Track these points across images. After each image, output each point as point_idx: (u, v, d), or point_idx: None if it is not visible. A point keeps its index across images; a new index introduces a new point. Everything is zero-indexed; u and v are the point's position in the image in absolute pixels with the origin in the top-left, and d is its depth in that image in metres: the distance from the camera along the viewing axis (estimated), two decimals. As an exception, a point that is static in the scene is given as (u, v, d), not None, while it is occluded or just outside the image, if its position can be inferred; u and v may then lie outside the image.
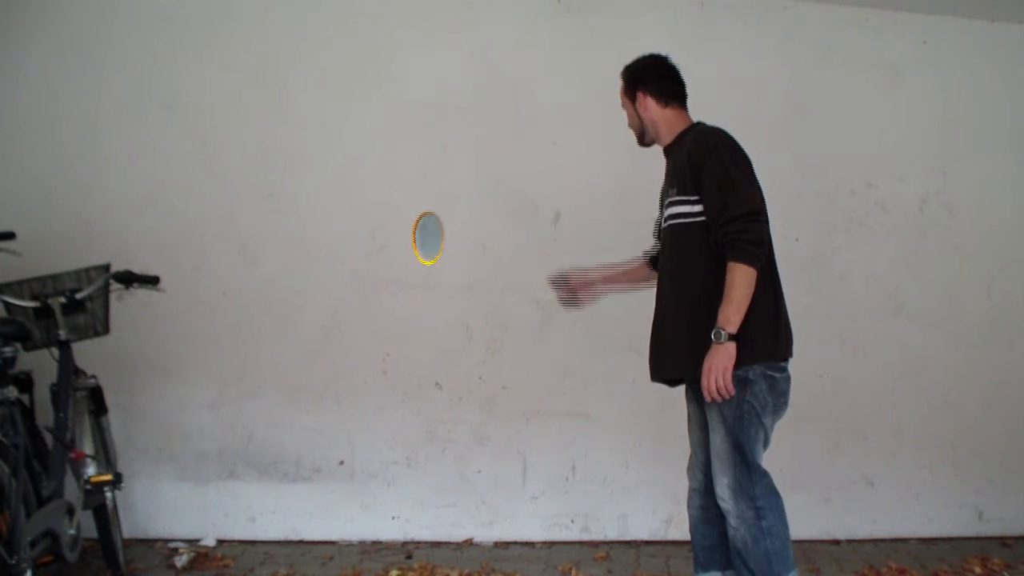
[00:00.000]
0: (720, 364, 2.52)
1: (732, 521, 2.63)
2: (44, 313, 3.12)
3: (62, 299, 3.13)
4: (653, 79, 2.83)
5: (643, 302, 3.81)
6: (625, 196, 3.87)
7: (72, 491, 3.10)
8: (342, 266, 3.81)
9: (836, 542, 3.98)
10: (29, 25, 3.68)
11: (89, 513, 3.24)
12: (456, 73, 3.80)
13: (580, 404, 3.90)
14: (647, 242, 3.84)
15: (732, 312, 2.52)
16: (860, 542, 3.98)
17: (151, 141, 3.74)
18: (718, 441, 2.63)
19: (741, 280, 2.53)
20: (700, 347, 2.57)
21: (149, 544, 3.73)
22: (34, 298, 3.12)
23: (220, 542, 3.78)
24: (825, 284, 3.98)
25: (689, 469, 2.86)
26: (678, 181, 2.70)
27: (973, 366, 4.02)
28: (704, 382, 2.55)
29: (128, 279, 3.30)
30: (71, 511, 3.05)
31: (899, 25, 3.94)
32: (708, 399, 2.58)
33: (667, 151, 2.83)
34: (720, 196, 2.58)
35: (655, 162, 3.96)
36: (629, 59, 3.98)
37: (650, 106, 2.81)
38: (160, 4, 3.76)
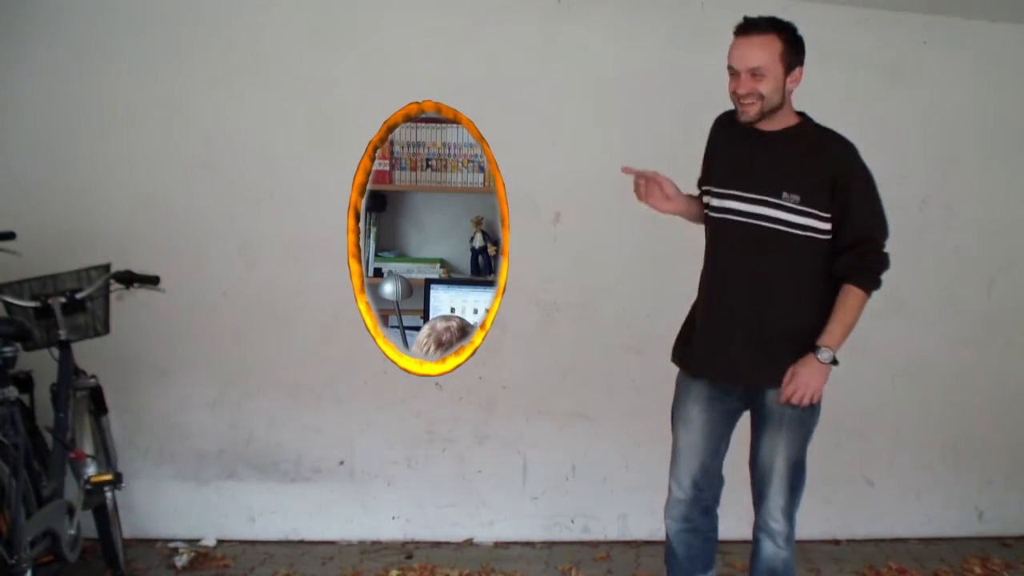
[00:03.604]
0: (819, 383, 2.49)
1: (780, 542, 2.62)
2: (44, 313, 3.12)
3: (62, 299, 3.13)
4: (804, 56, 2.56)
5: (643, 301, 3.84)
6: (625, 196, 3.85)
7: (72, 491, 3.11)
8: (342, 266, 3.80)
9: (836, 542, 3.98)
10: (29, 25, 3.68)
11: (89, 513, 3.25)
12: (456, 73, 3.80)
13: (580, 404, 3.90)
14: (649, 242, 3.88)
15: (841, 335, 2.51)
16: (860, 542, 3.98)
17: (151, 141, 3.73)
18: (781, 461, 2.58)
19: (859, 306, 2.52)
20: (794, 362, 2.52)
21: (149, 544, 3.73)
22: (34, 298, 3.12)
23: (220, 542, 3.78)
24: (825, 284, 3.98)
25: (674, 476, 2.73)
26: (804, 189, 2.50)
27: (973, 366, 4.02)
28: (798, 395, 2.49)
29: (128, 279, 3.30)
30: (71, 511, 3.05)
31: (899, 25, 3.93)
32: (784, 401, 2.51)
33: (770, 137, 2.57)
34: (870, 220, 2.56)
35: (655, 162, 3.96)
36: (629, 59, 4.00)
37: (798, 84, 2.55)
38: (160, 4, 3.76)
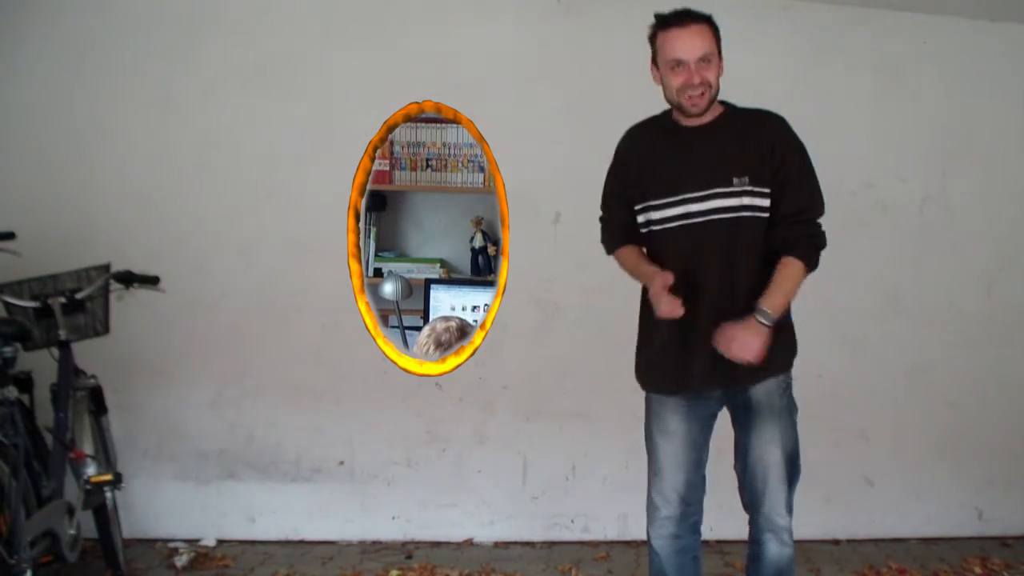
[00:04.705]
0: (759, 345, 2.36)
1: (785, 538, 2.54)
2: (44, 313, 3.12)
3: (62, 299, 3.13)
4: None
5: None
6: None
7: (72, 491, 3.11)
8: (342, 266, 3.80)
9: (836, 542, 3.98)
10: (29, 25, 3.68)
11: (89, 513, 3.24)
12: (456, 73, 3.80)
13: (580, 404, 3.90)
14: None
15: (781, 303, 2.42)
16: (860, 542, 3.98)
17: (151, 141, 3.74)
18: (778, 453, 2.51)
19: (799, 279, 2.45)
20: (772, 351, 2.41)
21: (149, 544, 3.73)
22: (34, 298, 3.12)
23: (220, 542, 3.78)
24: (825, 284, 3.95)
25: (660, 493, 2.64)
26: (750, 169, 2.45)
27: (973, 366, 4.02)
28: (741, 356, 2.36)
29: (128, 279, 3.30)
30: (71, 511, 3.05)
31: (899, 25, 3.93)
32: (742, 359, 2.38)
33: (702, 129, 2.52)
34: (805, 193, 2.48)
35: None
36: (629, 59, 3.98)
37: (723, 73, 2.52)
38: (160, 4, 3.76)
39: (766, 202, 2.47)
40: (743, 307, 2.43)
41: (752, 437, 2.55)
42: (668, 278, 2.42)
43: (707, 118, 2.50)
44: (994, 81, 3.99)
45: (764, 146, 2.49)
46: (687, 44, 2.43)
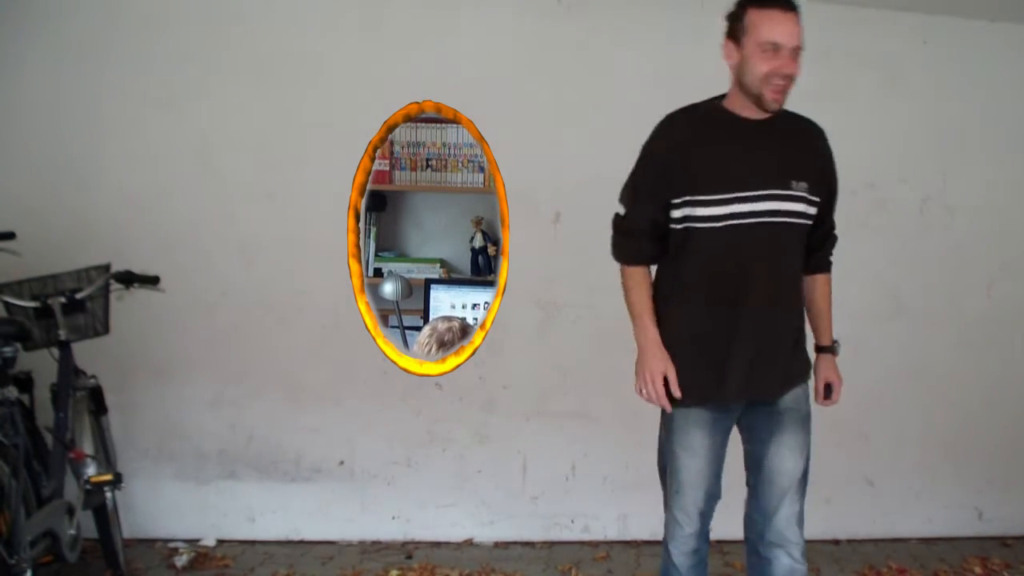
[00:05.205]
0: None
1: (797, 555, 2.44)
2: (44, 313, 3.12)
3: (62, 299, 3.13)
4: None
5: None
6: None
7: (72, 491, 3.11)
8: (342, 266, 3.80)
9: (836, 542, 3.98)
10: (29, 26, 3.68)
11: (89, 513, 3.24)
12: (456, 73, 3.80)
13: (580, 404, 3.90)
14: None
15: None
16: (860, 542, 3.98)
17: (151, 141, 3.73)
18: (799, 465, 2.44)
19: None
20: (801, 360, 2.49)
21: (149, 544, 3.73)
22: (34, 298, 3.12)
23: (220, 542, 3.78)
24: (825, 284, 3.98)
25: (682, 510, 2.48)
26: (809, 175, 2.35)
27: (973, 366, 4.02)
28: (836, 395, 2.56)
29: (128, 279, 3.30)
30: (71, 511, 3.06)
31: (899, 25, 3.93)
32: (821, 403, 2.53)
33: (761, 125, 2.35)
34: (833, 211, 2.51)
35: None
36: (629, 59, 4.00)
37: None
38: (160, 5, 3.76)
39: (814, 211, 2.40)
40: (783, 317, 2.40)
41: (773, 446, 2.45)
42: (670, 368, 2.37)
43: (766, 114, 2.34)
44: (994, 81, 3.99)
45: (820, 157, 2.44)
46: (788, 29, 2.24)
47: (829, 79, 3.95)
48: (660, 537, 3.89)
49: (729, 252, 2.33)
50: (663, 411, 2.50)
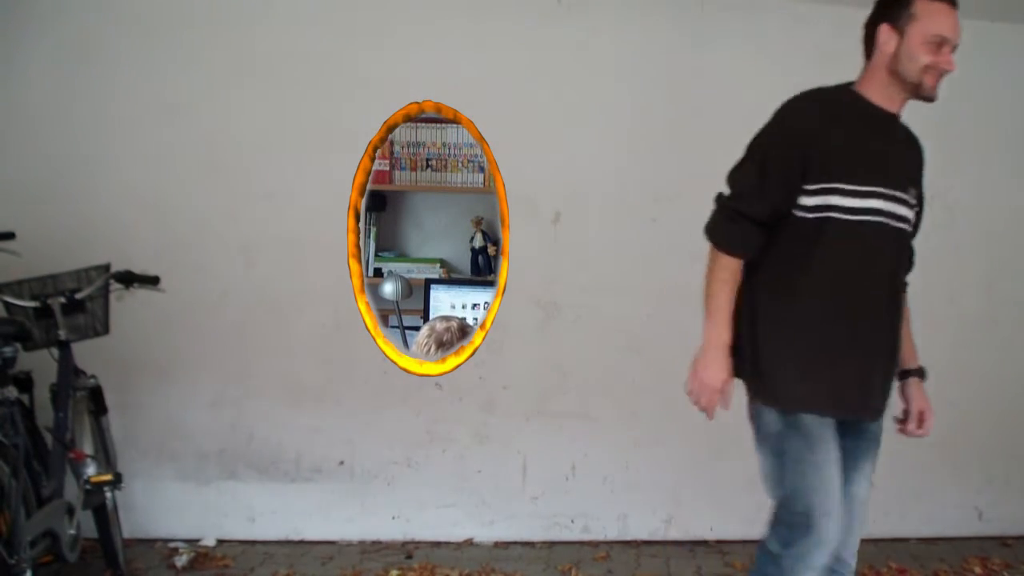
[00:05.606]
0: None
1: None
2: (44, 313, 3.12)
3: (62, 299, 3.13)
4: None
5: (643, 301, 3.84)
6: (625, 196, 3.88)
7: (72, 491, 3.10)
8: (342, 266, 3.80)
9: (836, 542, 3.97)
10: (33, 27, 3.68)
11: (89, 513, 3.24)
12: (456, 73, 3.80)
13: (580, 404, 3.90)
14: (649, 242, 3.88)
15: None
16: (860, 542, 3.97)
17: (151, 141, 3.73)
18: (868, 492, 2.36)
19: None
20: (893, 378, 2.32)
21: (149, 544, 3.73)
22: (34, 298, 3.12)
23: (220, 542, 3.78)
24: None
25: (821, 544, 2.19)
26: (917, 185, 2.25)
27: (973, 366, 4.01)
28: (929, 424, 2.42)
29: (128, 279, 3.30)
30: (71, 511, 3.05)
31: (899, 25, 3.93)
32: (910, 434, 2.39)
33: (893, 122, 2.26)
34: (920, 223, 2.35)
35: (655, 162, 3.97)
36: (629, 59, 4.00)
37: None
38: (160, 5, 3.76)
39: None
40: (897, 330, 2.28)
41: (857, 473, 2.33)
42: (730, 379, 2.20)
43: (900, 108, 2.25)
44: (993, 81, 3.99)
45: (922, 169, 2.32)
46: (955, 24, 2.17)
47: (830, 79, 3.95)
48: (659, 537, 3.93)
49: (865, 250, 2.18)
50: (787, 421, 2.22)
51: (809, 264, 2.18)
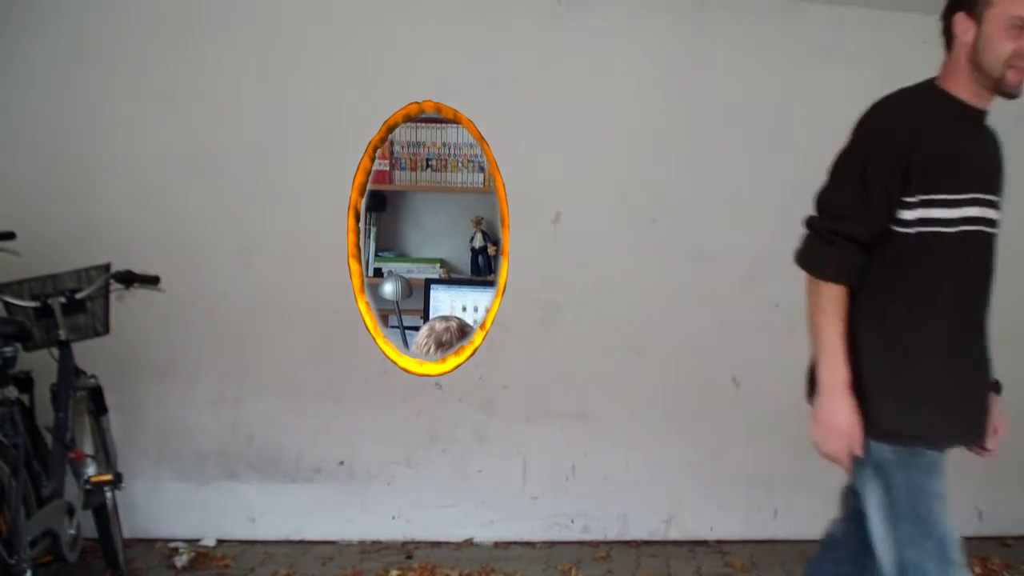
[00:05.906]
0: None
1: None
2: (44, 313, 3.12)
3: (62, 299, 3.13)
4: None
5: (643, 301, 3.84)
6: (625, 196, 3.87)
7: (72, 491, 3.10)
8: (342, 266, 3.80)
9: (836, 542, 3.97)
10: (29, 25, 3.68)
11: (89, 513, 3.24)
12: (456, 73, 3.80)
13: (580, 404, 3.90)
14: (649, 242, 3.88)
15: None
16: (860, 542, 3.98)
17: (151, 141, 3.74)
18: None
19: None
20: None
21: (149, 544, 3.73)
22: (34, 298, 3.12)
23: (220, 542, 3.78)
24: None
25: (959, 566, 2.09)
26: (1002, 183, 2.08)
27: (973, 366, 4.01)
28: (996, 445, 2.22)
29: (128, 279, 3.30)
30: (71, 511, 3.05)
31: (899, 25, 3.93)
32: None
33: (984, 122, 2.12)
34: None
35: (656, 162, 3.97)
36: (629, 59, 3.99)
37: None
38: (160, 5, 3.76)
39: None
40: (989, 349, 2.12)
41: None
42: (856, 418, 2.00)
43: (988, 104, 2.08)
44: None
45: (1001, 156, 2.15)
46: None
47: (829, 79, 3.96)
48: (659, 537, 3.93)
49: (970, 264, 2.06)
50: (903, 457, 2.12)
51: (917, 286, 2.03)
